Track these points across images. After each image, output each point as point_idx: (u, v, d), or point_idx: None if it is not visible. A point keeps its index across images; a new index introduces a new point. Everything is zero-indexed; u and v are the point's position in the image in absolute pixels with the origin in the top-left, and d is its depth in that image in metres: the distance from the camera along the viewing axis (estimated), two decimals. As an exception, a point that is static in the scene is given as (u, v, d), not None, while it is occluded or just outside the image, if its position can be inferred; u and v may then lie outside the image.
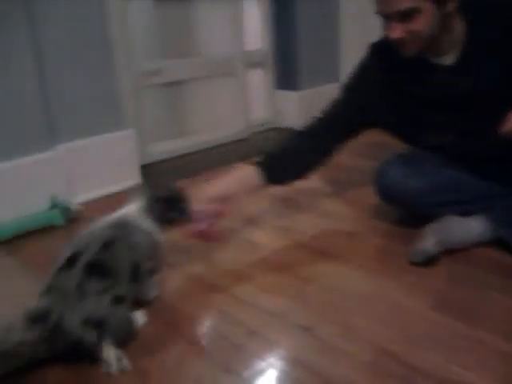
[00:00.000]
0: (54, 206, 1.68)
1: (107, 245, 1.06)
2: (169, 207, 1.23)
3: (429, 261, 1.33)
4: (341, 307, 1.19)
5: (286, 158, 1.51)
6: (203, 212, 1.35)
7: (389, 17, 1.31)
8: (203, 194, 1.40)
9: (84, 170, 1.88)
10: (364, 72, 1.56)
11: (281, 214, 1.76)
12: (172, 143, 2.38)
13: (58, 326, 0.95)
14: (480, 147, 1.42)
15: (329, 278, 1.32)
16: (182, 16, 2.38)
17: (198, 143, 2.46)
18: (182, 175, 2.13)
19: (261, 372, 0.98)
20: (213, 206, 1.38)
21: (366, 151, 2.23)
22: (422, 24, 1.28)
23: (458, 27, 1.36)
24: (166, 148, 2.34)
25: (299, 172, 1.54)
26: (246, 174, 1.47)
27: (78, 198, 1.85)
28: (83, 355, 0.99)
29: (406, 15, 1.27)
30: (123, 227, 1.13)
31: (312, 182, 2.04)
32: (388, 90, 1.49)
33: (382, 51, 1.51)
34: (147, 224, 1.18)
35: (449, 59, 1.40)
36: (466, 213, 1.44)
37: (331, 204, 1.81)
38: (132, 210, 1.19)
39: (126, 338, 1.05)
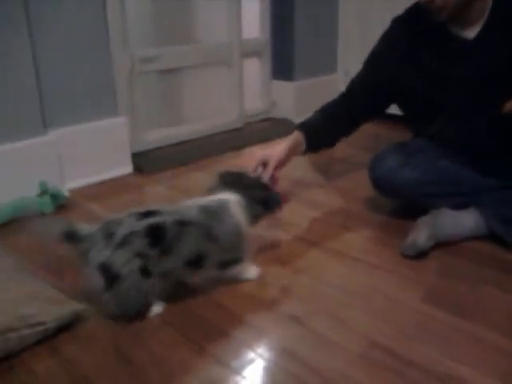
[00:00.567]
0: (44, 192, 1.65)
1: (181, 223, 1.06)
2: (265, 208, 1.25)
3: (421, 254, 1.32)
4: (333, 299, 1.18)
5: (324, 127, 1.60)
6: (273, 177, 1.43)
7: None
8: (269, 159, 1.45)
9: (75, 156, 1.86)
10: (388, 42, 1.57)
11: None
12: (166, 131, 2.36)
13: (85, 254, 1.00)
14: (480, 131, 1.42)
15: (321, 269, 1.31)
16: (179, 3, 2.34)
17: (192, 132, 2.44)
18: (175, 163, 2.11)
19: (251, 362, 0.97)
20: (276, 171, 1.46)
21: (361, 143, 2.22)
22: None
23: (488, 1, 1.38)
24: (159, 136, 2.31)
25: (333, 141, 1.67)
26: (297, 141, 1.56)
27: (68, 185, 1.83)
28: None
29: None
30: (211, 215, 1.12)
31: (305, 172, 2.03)
32: (410, 57, 1.49)
33: (404, 24, 1.53)
34: (239, 216, 1.17)
35: (471, 33, 1.40)
36: (459, 205, 1.43)
37: (325, 195, 1.80)
38: (229, 199, 1.18)
39: (125, 307, 1.06)
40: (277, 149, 1.50)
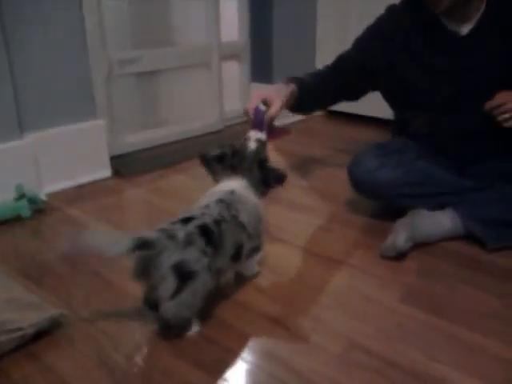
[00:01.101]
0: (21, 196, 1.63)
1: (217, 222, 1.06)
2: (269, 175, 1.24)
3: (400, 255, 1.34)
4: (313, 300, 1.18)
5: (313, 91, 1.59)
6: (263, 112, 1.34)
7: None
8: (271, 99, 1.38)
9: (52, 159, 1.83)
10: (381, 28, 1.57)
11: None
12: (145, 134, 2.34)
13: (154, 259, 0.96)
14: (462, 127, 1.44)
15: (301, 271, 1.32)
16: (157, 5, 2.33)
17: (172, 134, 2.43)
18: (154, 166, 2.10)
19: (232, 365, 0.97)
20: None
21: (342, 145, 2.24)
22: None
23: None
24: (138, 139, 2.29)
25: (314, 109, 1.70)
26: (292, 94, 1.50)
27: (46, 189, 1.80)
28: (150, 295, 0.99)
29: None
30: (231, 207, 1.12)
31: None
32: (405, 46, 1.50)
33: (400, 12, 1.53)
34: (253, 200, 1.18)
35: (464, 29, 1.42)
36: (437, 206, 1.45)
37: (305, 197, 1.81)
38: (237, 186, 1.18)
39: (189, 311, 1.03)
40: (279, 94, 1.42)
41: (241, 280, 1.26)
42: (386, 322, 1.10)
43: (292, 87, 1.51)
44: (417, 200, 1.45)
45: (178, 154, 2.27)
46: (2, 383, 0.92)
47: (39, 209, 1.65)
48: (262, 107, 1.33)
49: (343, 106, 2.11)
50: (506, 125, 1.35)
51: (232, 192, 1.16)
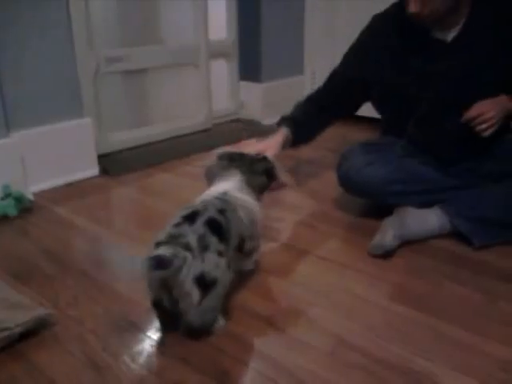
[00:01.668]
0: (7, 195, 1.61)
1: (222, 211, 1.05)
2: (268, 178, 1.25)
3: (388, 253, 1.35)
4: (301, 299, 1.18)
5: (306, 124, 1.62)
6: None
7: None
8: (265, 151, 1.42)
9: (39, 158, 1.81)
10: (369, 39, 1.58)
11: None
12: (133, 132, 2.33)
13: (176, 275, 0.93)
14: (449, 132, 1.45)
15: (290, 269, 1.32)
16: (145, 3, 2.32)
17: (160, 133, 2.42)
18: (142, 165, 2.09)
19: (221, 364, 0.97)
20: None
21: (330, 144, 2.24)
22: (441, 1, 1.33)
23: (467, 5, 1.41)
24: (126, 137, 2.28)
25: (313, 136, 1.69)
26: (287, 138, 1.57)
27: (32, 188, 1.78)
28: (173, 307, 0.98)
29: None
30: (228, 204, 1.11)
31: (274, 173, 2.03)
32: (390, 55, 1.51)
33: (385, 22, 1.54)
34: (248, 201, 1.17)
35: (449, 36, 1.43)
36: (424, 204, 1.46)
37: (294, 196, 1.81)
38: (231, 186, 1.18)
39: (213, 314, 1.02)
40: (271, 143, 1.50)
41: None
42: (374, 319, 1.11)
43: (284, 133, 1.55)
44: (404, 198, 1.47)
45: (165, 152, 2.26)
46: (-11, 384, 0.92)
47: (26, 208, 1.64)
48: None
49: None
50: (484, 134, 1.38)
51: (225, 193, 1.15)
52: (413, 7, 1.35)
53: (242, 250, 1.13)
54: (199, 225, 1.00)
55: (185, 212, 1.04)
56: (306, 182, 1.94)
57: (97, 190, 1.85)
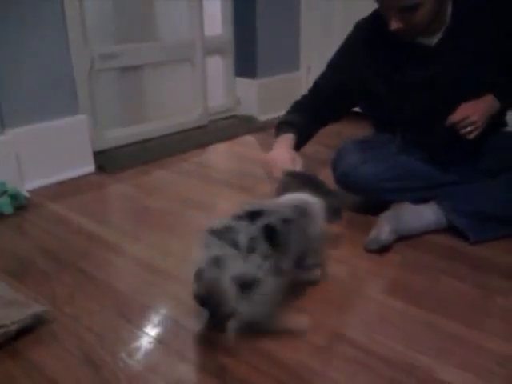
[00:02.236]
0: (3, 192, 1.61)
1: (286, 221, 1.03)
2: (335, 216, 1.25)
3: (384, 248, 1.35)
4: (296, 293, 1.19)
5: (302, 127, 1.56)
6: None
7: (392, 9, 1.30)
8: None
9: (34, 156, 1.81)
10: (351, 48, 1.56)
11: (237, 201, 1.75)
12: (129, 129, 2.32)
13: (221, 273, 0.93)
14: (434, 131, 1.45)
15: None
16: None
17: (156, 130, 2.41)
18: (138, 162, 2.09)
19: (217, 359, 0.97)
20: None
21: (324, 140, 2.23)
22: (422, 15, 1.29)
23: (448, 10, 1.39)
24: (122, 134, 2.28)
25: (307, 140, 1.64)
26: (293, 143, 1.51)
27: (28, 185, 1.78)
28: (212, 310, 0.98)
29: (410, 9, 1.27)
30: (304, 214, 1.10)
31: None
32: (372, 63, 1.50)
33: (367, 30, 1.52)
34: (322, 219, 1.16)
35: (432, 40, 1.42)
36: (420, 200, 1.47)
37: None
38: (314, 202, 1.17)
39: (265, 313, 1.00)
40: (290, 153, 1.43)
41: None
42: (370, 314, 1.11)
43: (290, 139, 1.51)
44: (400, 194, 1.47)
45: (161, 149, 2.26)
46: (-15, 381, 0.92)
47: (21, 205, 1.64)
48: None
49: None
50: (469, 137, 1.38)
51: (311, 204, 1.14)
52: (394, 24, 1.32)
53: (303, 264, 1.13)
54: (256, 226, 0.99)
55: (250, 207, 1.04)
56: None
57: (92, 187, 1.85)
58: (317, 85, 1.63)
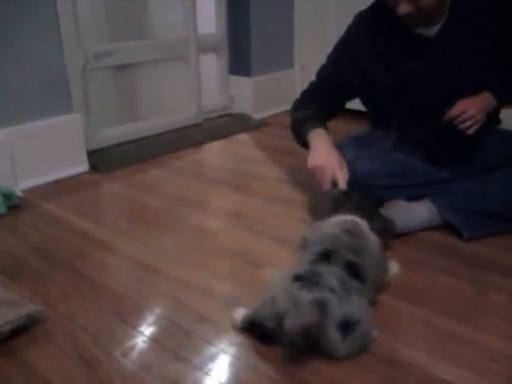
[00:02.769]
0: (-4, 192, 1.60)
1: (358, 252, 1.03)
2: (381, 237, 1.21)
3: (378, 245, 1.35)
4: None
5: (320, 120, 1.54)
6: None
7: None
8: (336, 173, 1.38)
9: (28, 155, 1.80)
10: (352, 39, 1.55)
11: (232, 199, 1.75)
12: (123, 128, 2.32)
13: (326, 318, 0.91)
14: (438, 129, 1.45)
15: (280, 262, 1.32)
16: (133, -3, 2.30)
17: (150, 128, 2.41)
18: (133, 161, 2.08)
19: (212, 358, 0.97)
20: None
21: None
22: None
23: (447, 2, 1.40)
24: (116, 133, 2.27)
25: None
26: (330, 141, 1.48)
27: (21, 185, 1.77)
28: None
29: None
30: (358, 236, 1.09)
31: (261, 167, 2.04)
32: (373, 54, 1.49)
33: (367, 21, 1.52)
34: (374, 237, 1.14)
35: (432, 31, 1.42)
36: (414, 197, 1.47)
37: (284, 190, 1.81)
38: (359, 221, 1.15)
39: (362, 350, 0.98)
40: (333, 158, 1.41)
41: (221, 276, 1.27)
42: (365, 311, 1.11)
43: (326, 135, 1.49)
44: (394, 191, 1.47)
45: (156, 147, 2.25)
46: (-21, 382, 0.91)
47: (15, 205, 1.63)
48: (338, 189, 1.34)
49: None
50: (469, 132, 1.38)
51: (357, 224, 1.12)
52: (403, 8, 1.32)
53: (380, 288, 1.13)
54: (337, 266, 0.99)
55: (318, 248, 1.03)
56: (296, 175, 1.94)
57: (87, 187, 1.84)
58: (319, 79, 1.63)
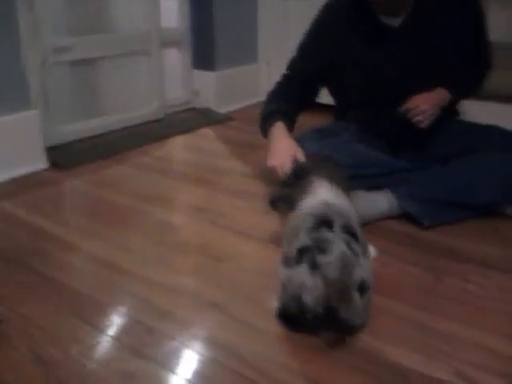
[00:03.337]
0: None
1: (347, 217, 1.01)
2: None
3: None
4: (253, 284, 1.19)
5: (287, 114, 1.55)
6: None
7: None
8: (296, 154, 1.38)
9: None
10: (320, 29, 1.56)
11: (196, 194, 1.74)
12: (84, 123, 2.27)
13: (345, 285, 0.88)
14: (397, 119, 1.47)
15: (242, 256, 1.32)
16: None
17: (112, 123, 2.36)
18: (94, 157, 2.04)
19: (174, 352, 0.96)
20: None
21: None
22: None
23: None
24: (77, 128, 2.22)
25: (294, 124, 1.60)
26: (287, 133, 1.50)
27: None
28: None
29: None
30: (340, 206, 1.05)
31: (225, 161, 2.03)
32: (340, 44, 1.51)
33: (335, 10, 1.53)
34: (348, 206, 1.11)
35: (397, 21, 1.44)
36: (373, 187, 1.49)
37: (248, 184, 1.81)
38: (328, 195, 1.11)
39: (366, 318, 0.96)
40: (292, 143, 1.43)
41: (184, 271, 1.26)
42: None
43: (283, 127, 1.50)
44: (354, 181, 1.48)
45: (118, 143, 2.22)
46: None
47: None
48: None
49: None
50: (422, 126, 1.42)
51: (327, 203, 1.07)
52: None
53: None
54: (339, 231, 0.96)
55: (313, 219, 0.99)
56: (261, 169, 1.94)
57: (45, 184, 1.80)
58: (291, 70, 1.63)
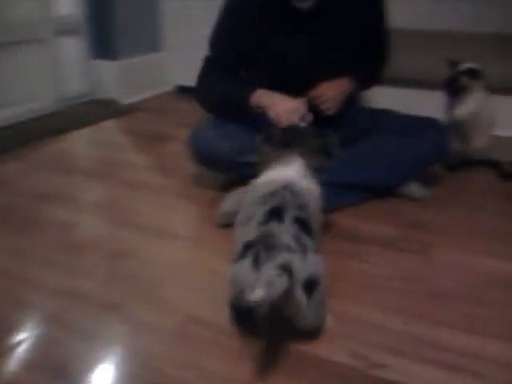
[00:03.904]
0: None
1: (302, 207, 0.95)
2: (327, 155, 1.16)
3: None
4: (153, 280, 1.15)
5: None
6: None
7: None
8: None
9: None
10: (231, 16, 1.52)
11: (97, 190, 1.65)
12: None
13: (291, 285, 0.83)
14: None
15: (143, 251, 1.27)
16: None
17: (4, 118, 2.20)
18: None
19: (70, 360, 0.90)
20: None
21: (186, 120, 2.18)
22: None
23: None
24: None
25: None
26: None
27: None
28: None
29: None
30: (296, 194, 0.98)
31: (127, 154, 1.96)
32: (252, 29, 1.48)
33: None
34: (314, 189, 1.06)
35: (306, 4, 1.42)
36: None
37: (152, 177, 1.75)
38: (295, 173, 1.05)
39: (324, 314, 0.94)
40: (291, 100, 1.38)
41: (80, 272, 1.19)
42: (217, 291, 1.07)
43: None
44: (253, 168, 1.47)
45: (11, 139, 2.06)
46: None
47: None
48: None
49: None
50: (328, 112, 1.44)
51: (293, 183, 1.01)
52: None
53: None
54: (289, 223, 0.91)
55: (264, 207, 0.93)
56: (164, 161, 1.89)
57: None
58: (212, 52, 1.57)
